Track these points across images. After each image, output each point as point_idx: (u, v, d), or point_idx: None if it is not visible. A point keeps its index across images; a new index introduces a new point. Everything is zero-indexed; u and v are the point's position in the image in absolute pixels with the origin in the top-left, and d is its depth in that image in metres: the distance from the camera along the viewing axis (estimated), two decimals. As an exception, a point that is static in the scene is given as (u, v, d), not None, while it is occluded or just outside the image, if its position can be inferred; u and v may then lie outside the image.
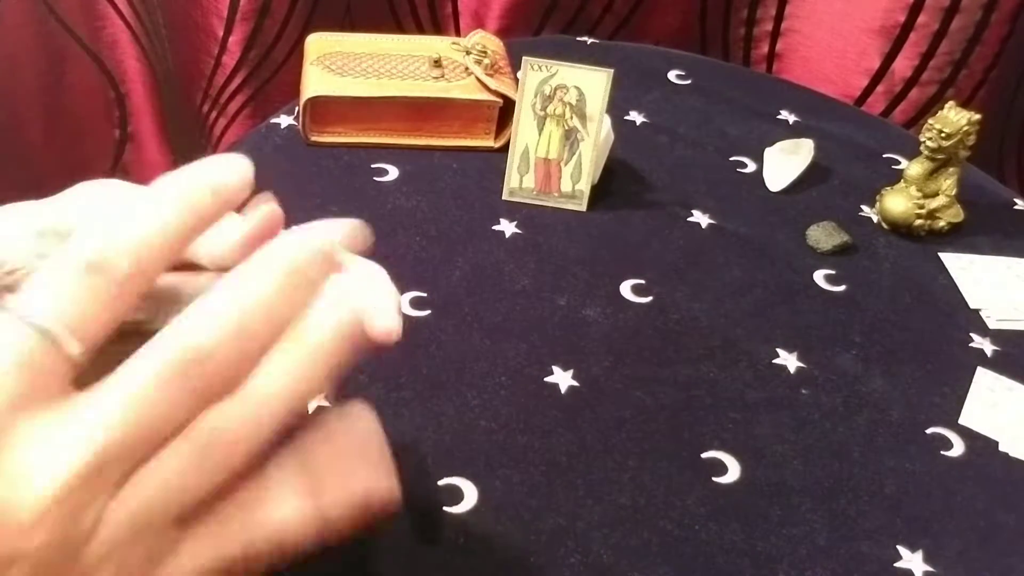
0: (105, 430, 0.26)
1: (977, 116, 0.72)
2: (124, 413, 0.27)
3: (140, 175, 1.11)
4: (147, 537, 0.28)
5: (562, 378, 0.60)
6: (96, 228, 0.28)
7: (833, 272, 0.72)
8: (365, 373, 0.58)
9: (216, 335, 0.28)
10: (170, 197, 0.30)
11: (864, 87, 1.01)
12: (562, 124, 0.72)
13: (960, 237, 0.77)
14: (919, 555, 0.52)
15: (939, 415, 0.61)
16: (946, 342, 0.67)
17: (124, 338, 0.28)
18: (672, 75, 0.94)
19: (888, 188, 0.77)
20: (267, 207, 0.35)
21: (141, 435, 0.27)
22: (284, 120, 0.81)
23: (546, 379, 0.60)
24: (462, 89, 0.78)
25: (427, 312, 0.63)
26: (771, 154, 0.82)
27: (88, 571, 0.27)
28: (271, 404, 0.29)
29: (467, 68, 0.80)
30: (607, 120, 0.73)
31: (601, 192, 0.75)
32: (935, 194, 0.75)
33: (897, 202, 0.75)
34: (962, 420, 0.60)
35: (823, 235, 0.74)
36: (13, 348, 0.26)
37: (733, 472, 0.55)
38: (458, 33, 1.13)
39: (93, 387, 0.28)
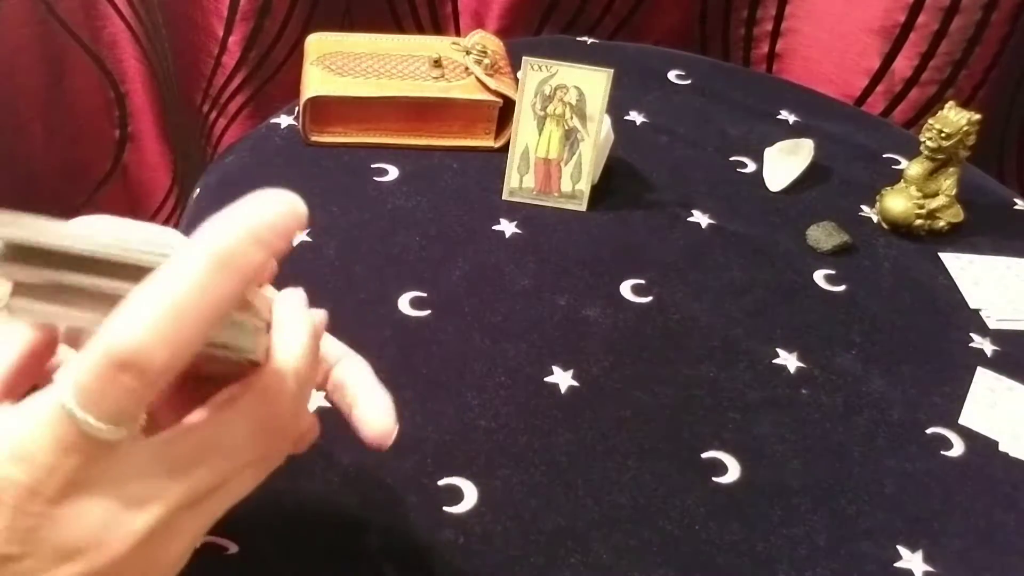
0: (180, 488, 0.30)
1: (977, 116, 0.72)
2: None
3: (140, 175, 1.11)
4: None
5: (562, 378, 0.60)
6: (134, 311, 0.27)
7: (833, 272, 0.72)
8: (365, 373, 0.58)
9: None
10: (211, 263, 0.28)
11: (864, 87, 1.01)
12: (562, 124, 0.72)
13: (960, 237, 0.77)
14: (919, 555, 0.52)
15: (939, 415, 0.61)
16: (946, 342, 0.67)
17: None
18: (672, 75, 0.94)
19: (888, 188, 0.77)
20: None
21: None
22: (284, 120, 0.81)
23: (546, 379, 0.60)
24: (462, 89, 0.78)
25: (427, 312, 0.63)
26: (771, 154, 0.82)
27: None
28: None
29: (467, 68, 0.80)
30: (607, 120, 0.73)
31: (601, 192, 0.75)
32: (935, 194, 0.75)
33: (897, 202, 0.75)
34: (962, 420, 0.60)
35: (823, 235, 0.74)
36: (59, 440, 0.28)
37: (733, 472, 0.55)
38: (458, 33, 1.13)
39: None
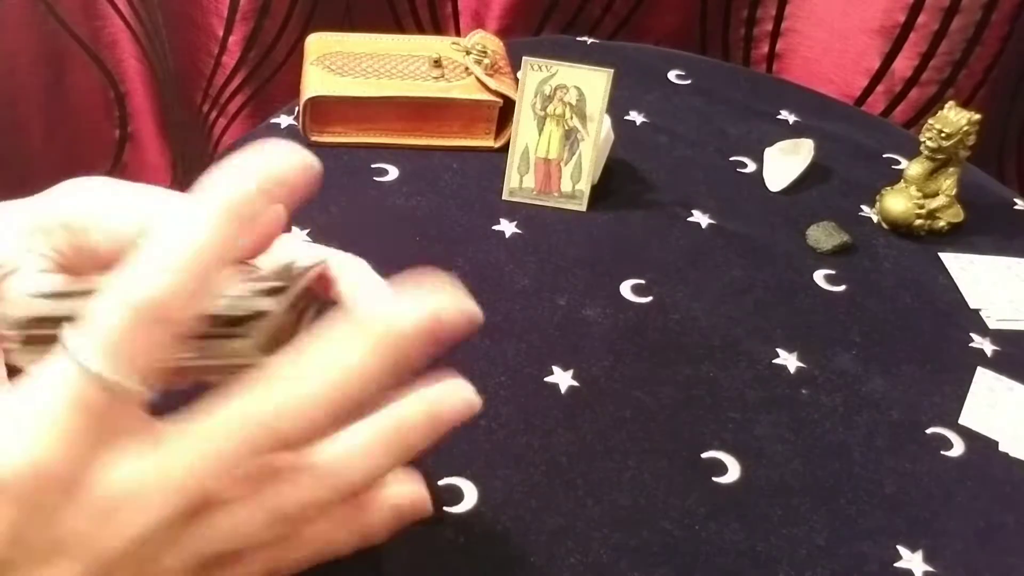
0: (191, 478, 0.27)
1: (977, 116, 0.72)
2: (208, 464, 0.27)
3: (140, 175, 1.11)
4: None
5: (562, 378, 0.60)
6: (151, 261, 0.26)
7: (833, 272, 0.72)
8: (365, 373, 0.58)
9: (300, 419, 0.28)
10: (223, 212, 0.27)
11: (864, 87, 1.01)
12: (562, 124, 0.72)
13: (960, 237, 0.77)
14: (919, 555, 0.52)
15: (939, 415, 0.61)
16: (946, 342, 0.67)
17: None
18: (672, 75, 0.94)
19: (888, 188, 0.77)
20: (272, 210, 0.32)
21: (219, 488, 0.28)
22: (284, 120, 0.81)
23: (546, 379, 0.60)
24: (462, 89, 0.78)
25: (427, 312, 0.63)
26: (771, 154, 0.82)
27: None
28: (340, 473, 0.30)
29: (467, 68, 0.80)
30: (607, 120, 0.73)
31: (601, 192, 0.75)
32: (935, 194, 0.75)
33: (897, 202, 0.75)
34: (962, 420, 0.60)
35: (823, 235, 0.74)
36: (74, 398, 0.26)
37: (733, 472, 0.55)
38: (458, 33, 1.13)
39: (177, 421, 0.28)
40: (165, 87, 1.08)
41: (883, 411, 0.60)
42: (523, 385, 0.59)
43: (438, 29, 1.15)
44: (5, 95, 0.95)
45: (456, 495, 0.52)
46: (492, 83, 0.78)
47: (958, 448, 0.59)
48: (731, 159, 0.83)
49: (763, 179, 0.81)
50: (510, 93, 0.77)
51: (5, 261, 0.32)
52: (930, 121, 0.73)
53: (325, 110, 0.77)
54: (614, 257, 0.70)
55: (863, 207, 0.79)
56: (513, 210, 0.74)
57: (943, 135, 0.72)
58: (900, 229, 0.76)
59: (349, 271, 0.38)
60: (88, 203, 0.36)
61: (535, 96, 0.72)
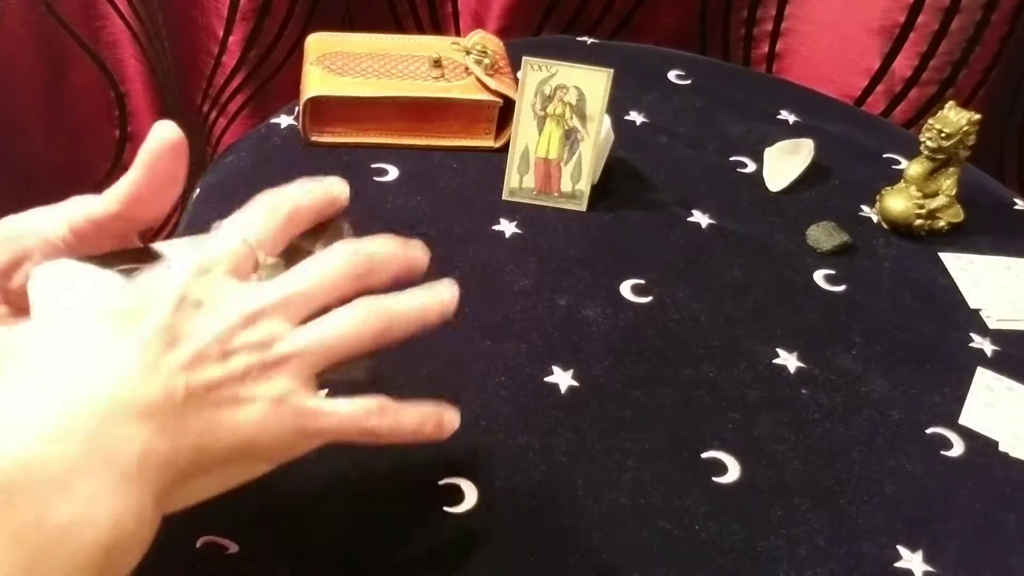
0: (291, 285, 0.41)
1: (977, 116, 0.72)
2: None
3: (140, 175, 1.11)
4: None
5: (562, 378, 0.60)
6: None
7: (833, 272, 0.72)
8: (365, 373, 0.58)
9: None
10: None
11: (864, 87, 1.01)
12: (562, 124, 0.72)
13: (960, 237, 0.77)
14: (919, 555, 0.52)
15: (939, 415, 0.61)
16: (946, 342, 0.67)
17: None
18: (672, 75, 0.94)
19: (888, 188, 0.77)
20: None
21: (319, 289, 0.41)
22: (284, 120, 0.81)
23: (546, 379, 0.60)
24: (462, 89, 0.78)
25: (427, 312, 0.63)
26: (771, 154, 0.82)
27: None
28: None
29: (467, 68, 0.80)
30: (607, 120, 0.73)
31: (601, 192, 0.75)
32: (935, 194, 0.75)
33: (897, 202, 0.75)
34: (962, 420, 0.60)
35: (823, 235, 0.74)
36: (230, 251, 0.41)
37: (733, 472, 0.55)
38: (458, 33, 1.13)
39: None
40: (165, 87, 1.08)
41: (883, 411, 0.61)
42: (523, 385, 0.59)
43: (438, 29, 1.15)
44: (5, 95, 0.95)
45: (456, 495, 0.52)
46: (492, 83, 0.78)
47: (958, 448, 0.59)
48: (731, 159, 0.83)
49: (763, 179, 0.81)
50: (510, 93, 0.77)
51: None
52: (930, 121, 0.73)
53: (325, 110, 0.77)
54: (614, 257, 0.70)
55: (863, 207, 0.79)
56: (513, 210, 0.74)
57: (943, 135, 0.72)
58: (900, 229, 0.76)
59: None
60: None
61: (535, 96, 0.72)
